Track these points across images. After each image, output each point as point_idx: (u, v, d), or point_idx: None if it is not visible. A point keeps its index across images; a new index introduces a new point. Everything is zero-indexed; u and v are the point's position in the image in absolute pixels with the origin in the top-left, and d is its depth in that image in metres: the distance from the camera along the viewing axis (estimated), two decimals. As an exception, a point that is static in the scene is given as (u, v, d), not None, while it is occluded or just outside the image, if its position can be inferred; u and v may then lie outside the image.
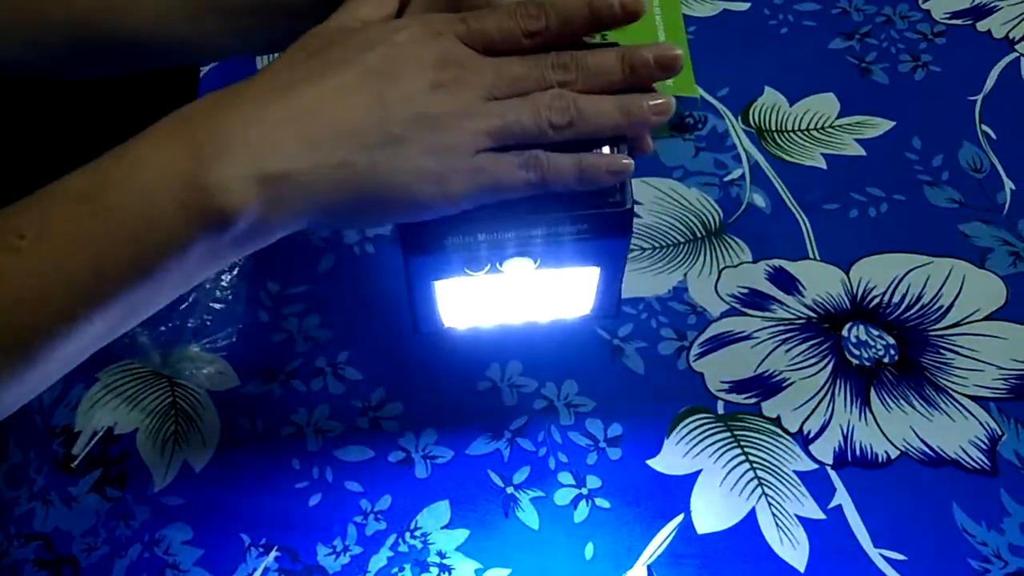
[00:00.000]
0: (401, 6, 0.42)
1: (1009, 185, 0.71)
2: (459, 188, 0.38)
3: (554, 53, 0.39)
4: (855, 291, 0.65)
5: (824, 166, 0.72)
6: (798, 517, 0.56)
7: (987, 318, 0.64)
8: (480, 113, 0.37)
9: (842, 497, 0.57)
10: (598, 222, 0.41)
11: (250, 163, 0.35)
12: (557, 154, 0.38)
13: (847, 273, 0.66)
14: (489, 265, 0.43)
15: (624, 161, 0.39)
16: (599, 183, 0.39)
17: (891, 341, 0.63)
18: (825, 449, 0.58)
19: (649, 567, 0.54)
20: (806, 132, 0.75)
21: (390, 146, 0.36)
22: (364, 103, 0.36)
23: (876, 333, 0.63)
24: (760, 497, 0.57)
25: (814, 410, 0.60)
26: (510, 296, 0.49)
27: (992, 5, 0.83)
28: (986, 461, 0.58)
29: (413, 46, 0.37)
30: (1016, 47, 0.79)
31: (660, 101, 0.40)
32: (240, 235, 0.36)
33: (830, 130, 0.75)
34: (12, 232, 0.34)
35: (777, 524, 0.56)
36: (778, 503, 0.56)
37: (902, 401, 0.60)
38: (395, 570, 0.55)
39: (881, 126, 0.74)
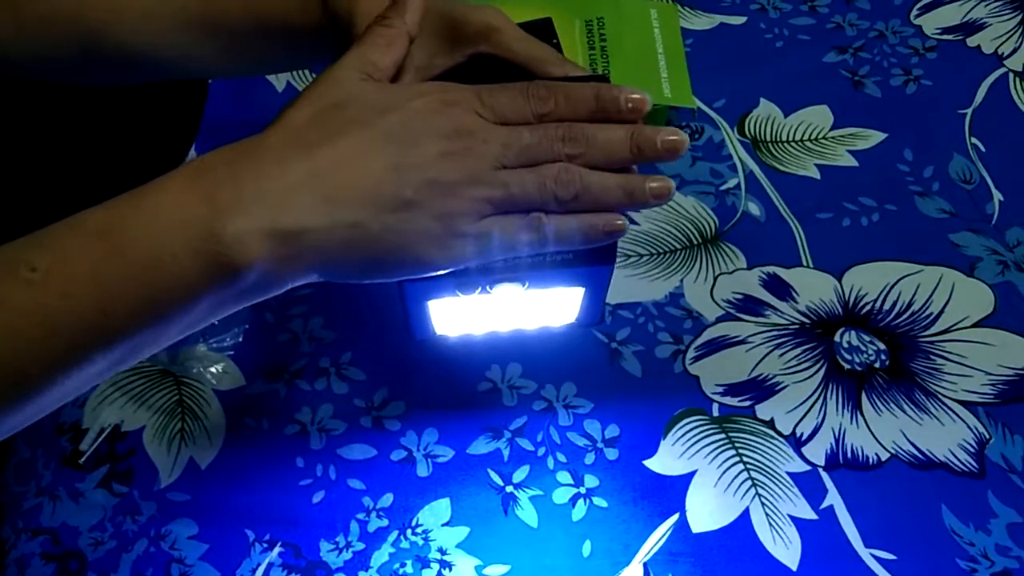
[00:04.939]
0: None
1: (998, 196, 0.72)
2: (462, 250, 0.39)
3: (566, 125, 0.40)
4: (847, 298, 0.67)
5: (817, 176, 0.74)
6: (791, 517, 0.57)
7: (976, 325, 0.65)
8: (488, 182, 0.39)
9: (833, 498, 0.58)
10: (585, 252, 0.43)
11: (266, 218, 0.35)
12: (557, 216, 0.40)
13: (839, 280, 0.68)
14: (480, 288, 0.45)
15: (619, 223, 0.40)
16: (597, 243, 0.41)
17: (882, 347, 0.64)
18: (817, 451, 0.60)
19: (645, 565, 0.56)
20: (800, 143, 0.76)
21: (401, 210, 0.37)
22: (381, 167, 0.37)
23: (868, 339, 0.65)
24: (754, 497, 0.58)
25: (807, 413, 0.61)
26: (499, 309, 0.50)
27: (982, 21, 0.85)
28: (974, 464, 0.59)
29: (428, 114, 0.38)
30: (1005, 62, 0.81)
31: (661, 184, 0.41)
32: (249, 287, 0.37)
33: (824, 141, 0.76)
34: (24, 264, 0.33)
35: (770, 524, 0.57)
36: (771, 503, 0.58)
37: (892, 405, 0.62)
38: (397, 566, 0.56)
39: (873, 138, 0.76)
